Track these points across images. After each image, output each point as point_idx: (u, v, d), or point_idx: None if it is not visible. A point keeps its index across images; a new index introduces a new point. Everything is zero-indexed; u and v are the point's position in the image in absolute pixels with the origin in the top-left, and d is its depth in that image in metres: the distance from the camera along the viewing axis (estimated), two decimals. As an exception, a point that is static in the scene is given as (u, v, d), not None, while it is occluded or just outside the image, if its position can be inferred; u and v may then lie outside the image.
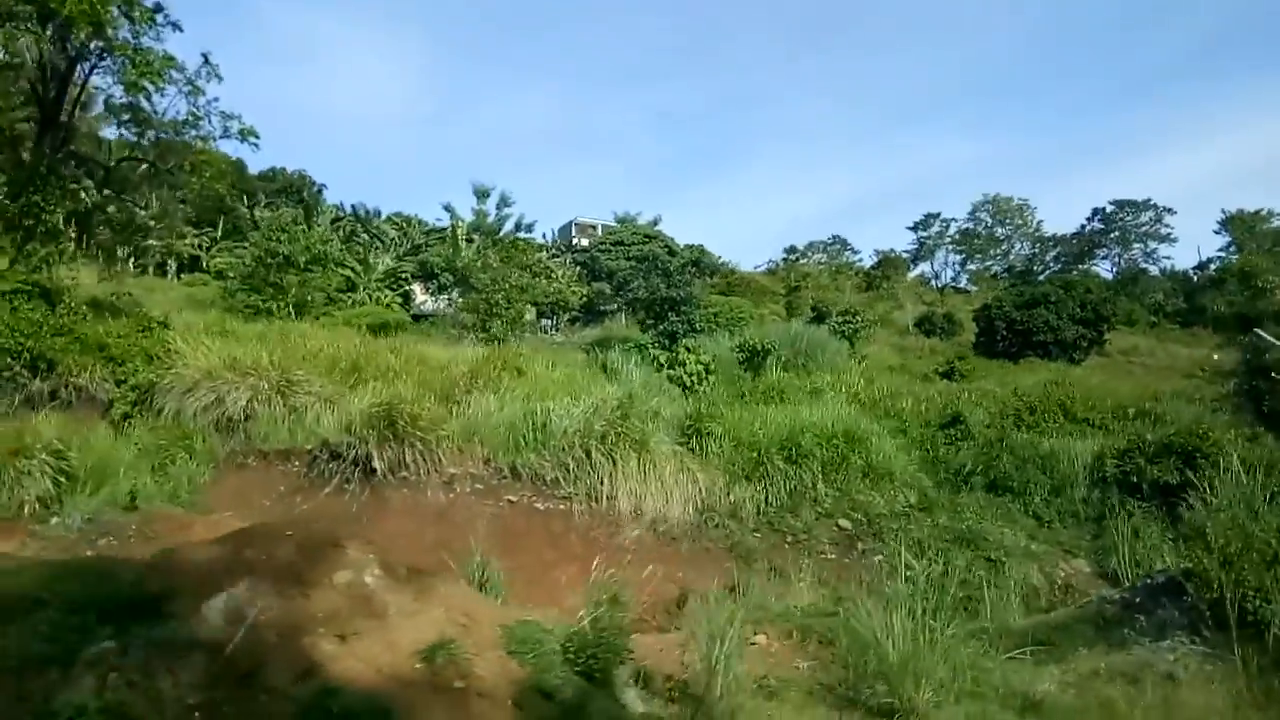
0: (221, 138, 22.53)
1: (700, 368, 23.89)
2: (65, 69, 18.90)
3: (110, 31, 18.27)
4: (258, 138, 21.51)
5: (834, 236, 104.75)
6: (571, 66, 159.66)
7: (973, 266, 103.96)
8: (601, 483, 13.05)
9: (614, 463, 13.24)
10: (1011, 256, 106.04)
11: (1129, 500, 14.69)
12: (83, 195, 46.59)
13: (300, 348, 18.18)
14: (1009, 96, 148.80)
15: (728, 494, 13.47)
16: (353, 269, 45.12)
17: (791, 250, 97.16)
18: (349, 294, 43.78)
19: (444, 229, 58.43)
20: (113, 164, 21.65)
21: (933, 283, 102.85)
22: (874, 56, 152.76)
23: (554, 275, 55.54)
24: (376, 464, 12.80)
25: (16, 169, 18.96)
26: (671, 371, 24.06)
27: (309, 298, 34.74)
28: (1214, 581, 6.94)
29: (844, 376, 28.80)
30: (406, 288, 48.31)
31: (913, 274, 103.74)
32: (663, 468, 13.41)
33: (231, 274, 38.18)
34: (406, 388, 15.59)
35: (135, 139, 21.10)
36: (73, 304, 17.18)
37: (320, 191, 74.63)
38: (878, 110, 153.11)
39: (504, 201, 63.48)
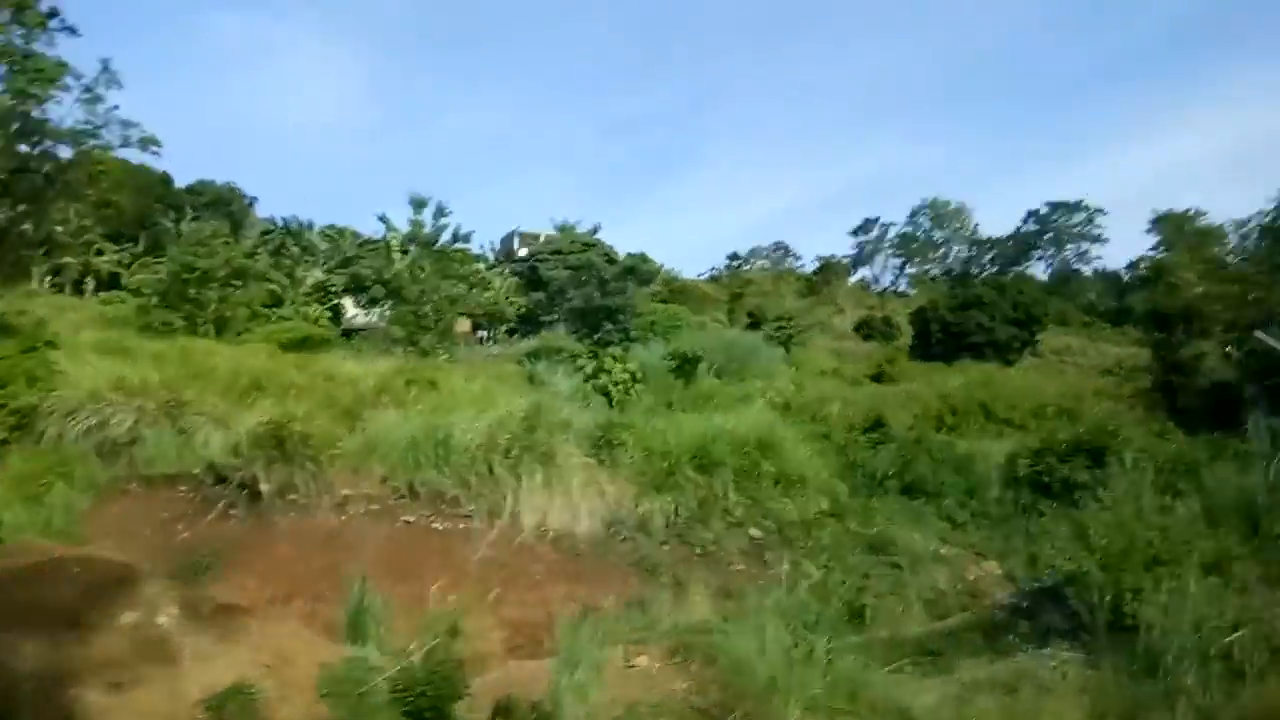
0: (121, 147, 21.75)
1: (626, 376, 23.59)
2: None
3: (-9, 38, 17.42)
4: (159, 145, 20.84)
5: (777, 243, 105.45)
6: (520, 76, 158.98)
7: (912, 270, 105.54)
8: (504, 499, 12.60)
9: (518, 478, 12.80)
10: (950, 259, 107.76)
11: (1041, 500, 14.68)
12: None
13: (200, 366, 17.49)
14: (958, 100, 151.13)
15: (636, 506, 13.09)
16: (278, 283, 43.98)
17: (734, 257, 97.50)
18: (274, 309, 42.61)
19: (378, 241, 57.38)
20: (3, 176, 20.40)
21: (873, 287, 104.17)
22: (823, 60, 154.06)
23: (490, 286, 54.94)
24: (263, 486, 12.21)
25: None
26: (597, 380, 23.72)
27: (228, 314, 33.63)
28: (1094, 584, 6.74)
29: (775, 382, 28.74)
30: (336, 301, 47.22)
31: (854, 279, 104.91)
32: (570, 481, 13.02)
33: (148, 291, 36.87)
34: (307, 406, 15.00)
35: (29, 149, 19.98)
36: (-48, 327, 16.27)
37: (251, 204, 72.87)
38: (827, 115, 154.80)
39: (440, 212, 62.06)
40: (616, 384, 23.38)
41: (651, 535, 12.76)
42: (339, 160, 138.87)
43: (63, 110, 19.64)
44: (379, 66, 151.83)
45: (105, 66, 19.71)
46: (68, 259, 45.21)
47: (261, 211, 70.04)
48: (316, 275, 46.66)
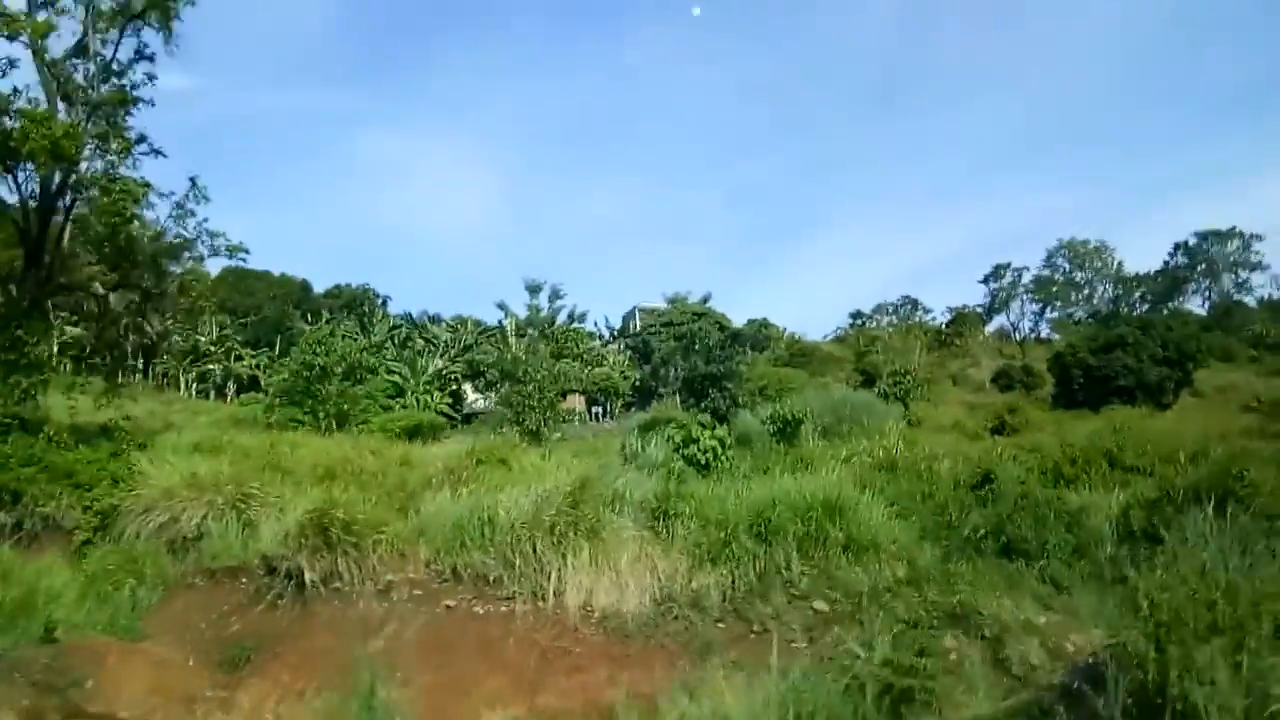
0: (211, 256, 22.98)
1: (715, 443, 22.74)
2: (46, 204, 19.32)
3: (83, 165, 18.73)
4: (246, 252, 21.83)
5: (904, 297, 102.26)
6: (647, 160, 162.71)
7: (1054, 314, 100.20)
8: (547, 578, 12.03)
9: (562, 555, 12.23)
10: (1095, 300, 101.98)
11: (1157, 556, 12.95)
12: (147, 327, 48.57)
13: (281, 457, 17.89)
14: (1087, 140, 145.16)
15: (690, 581, 12.26)
16: (400, 374, 45.57)
17: (857, 315, 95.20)
18: (397, 399, 44.10)
19: (496, 327, 59.20)
20: (103, 293, 21.78)
21: (1013, 335, 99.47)
22: (946, 115, 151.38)
23: (604, 362, 55.44)
24: (308, 575, 12.08)
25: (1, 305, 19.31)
26: (686, 450, 22.98)
27: (345, 407, 34.81)
28: (1135, 656, 5.59)
29: (883, 440, 27.28)
30: (455, 388, 48.48)
31: (990, 328, 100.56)
32: (618, 556, 12.33)
33: (275, 390, 38.80)
34: (374, 492, 15.04)
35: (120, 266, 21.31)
36: (53, 433, 17.19)
37: (384, 303, 76.92)
38: (953, 167, 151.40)
39: (555, 295, 64.14)
40: (704, 452, 22.55)
41: (705, 612, 11.87)
42: (479, 256, 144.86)
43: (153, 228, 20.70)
44: (514, 166, 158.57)
45: (193, 183, 20.86)
46: (210, 365, 48.42)
47: (395, 308, 73.74)
48: (436, 364, 48.07)
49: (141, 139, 20.30)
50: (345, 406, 35.12)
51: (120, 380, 28.31)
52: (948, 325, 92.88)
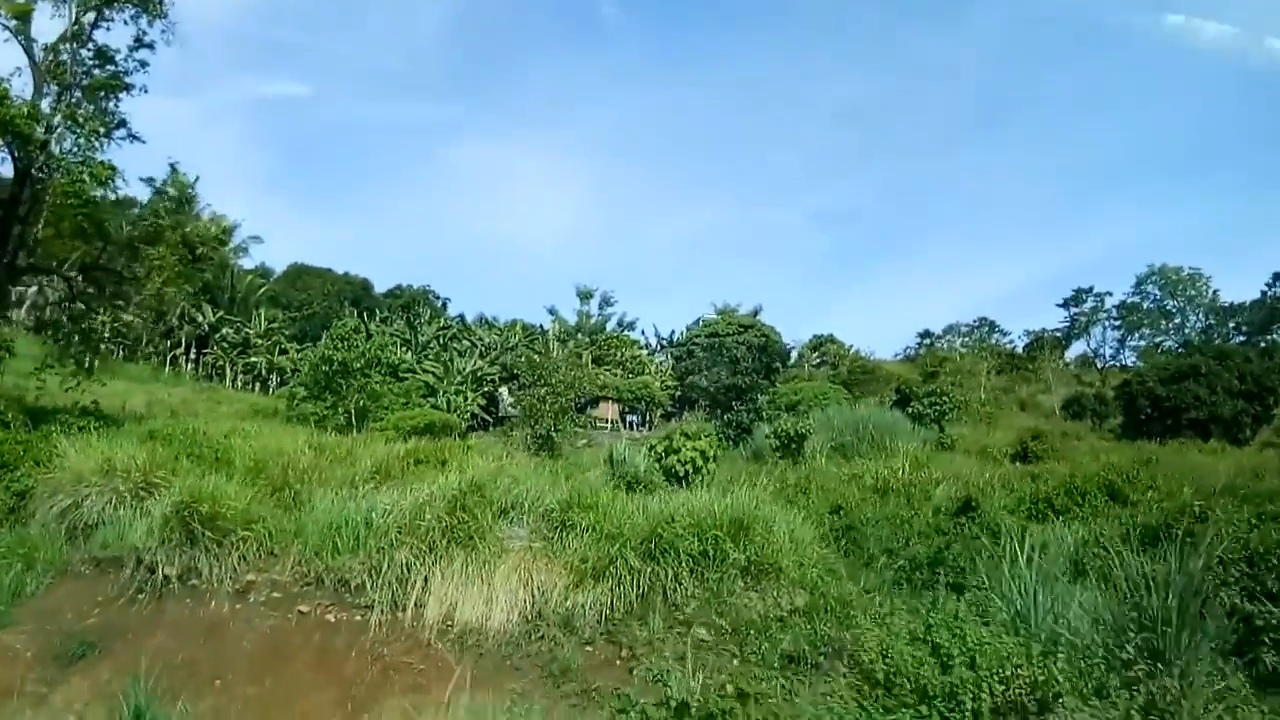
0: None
1: (694, 455, 21.63)
2: (15, 187, 19.42)
3: (55, 146, 18.76)
4: (258, 240, 21.59)
5: (980, 318, 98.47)
6: (735, 176, 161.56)
7: (1139, 342, 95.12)
8: (411, 588, 11.19)
9: (433, 564, 11.38)
10: (1187, 330, 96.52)
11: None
12: (200, 318, 49.77)
13: (222, 449, 17.52)
14: (1185, 168, 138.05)
15: (566, 598, 11.26)
16: (434, 373, 45.47)
17: (926, 335, 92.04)
18: (429, 398, 44.01)
19: (540, 331, 59.02)
20: (72, 275, 21.87)
21: (1094, 362, 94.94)
22: (1045, 137, 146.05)
23: (646, 371, 54.50)
24: (164, 570, 11.51)
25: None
26: (665, 461, 21.96)
27: (363, 403, 34.73)
28: None
29: (893, 461, 25.88)
30: (489, 389, 48.16)
31: (1072, 354, 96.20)
32: (493, 568, 11.42)
33: (293, 382, 39.06)
34: (277, 485, 14.46)
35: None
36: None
37: (444, 305, 77.61)
38: (1046, 192, 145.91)
39: (606, 302, 63.71)
40: (683, 463, 21.47)
41: (575, 633, 10.85)
42: (564, 265, 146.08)
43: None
44: (603, 177, 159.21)
45: (173, 169, 20.84)
46: (254, 358, 49.21)
47: (457, 310, 74.35)
48: (469, 365, 47.79)
49: (122, 124, 20.29)
50: (363, 403, 35.07)
51: (164, 364, 28.57)
52: (1027, 349, 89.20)
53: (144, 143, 21.03)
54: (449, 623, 10.97)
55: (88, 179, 18.79)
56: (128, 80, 21.01)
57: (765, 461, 28.42)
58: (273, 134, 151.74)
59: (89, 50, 20.62)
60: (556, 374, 34.81)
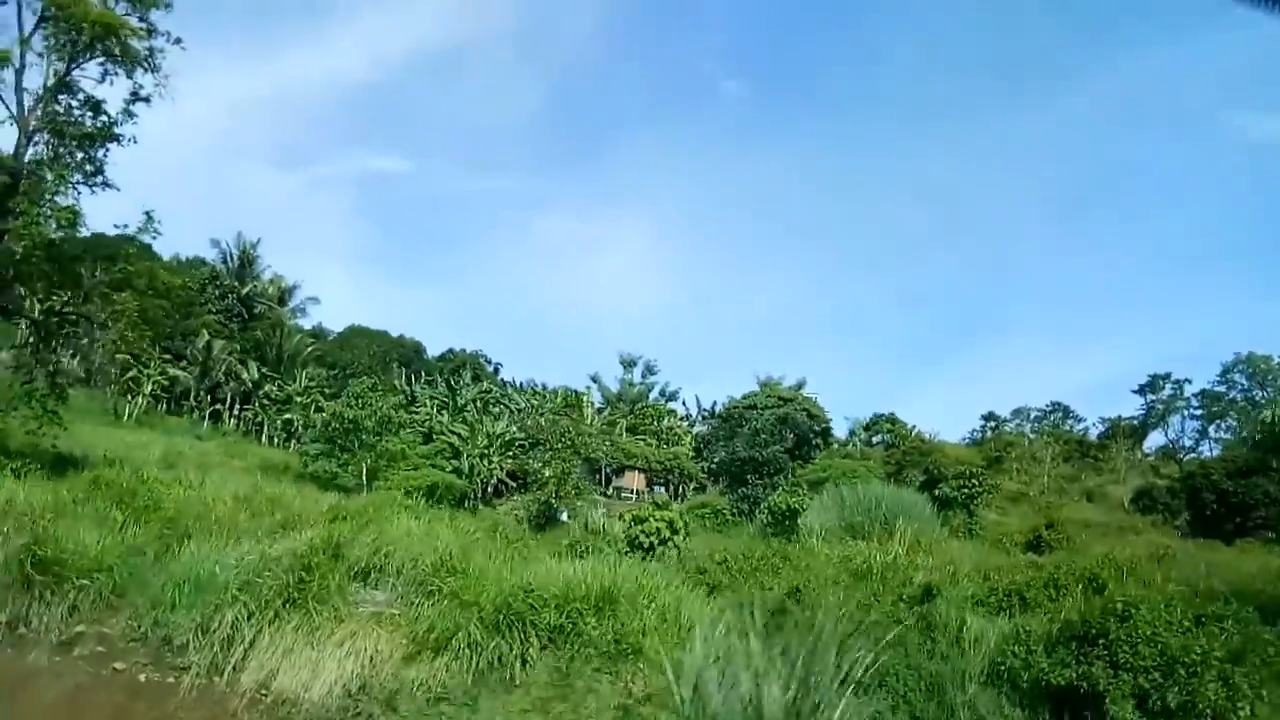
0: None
1: (661, 525, 20.44)
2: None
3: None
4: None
5: (1053, 403, 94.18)
6: (817, 256, 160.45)
7: (1223, 434, 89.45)
8: (234, 651, 10.32)
9: (263, 626, 10.53)
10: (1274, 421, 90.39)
11: (1012, 713, 9.92)
12: (244, 374, 50.73)
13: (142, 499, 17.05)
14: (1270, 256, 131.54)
15: (400, 671, 10.23)
16: (459, 435, 45.07)
17: (990, 418, 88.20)
18: (454, 459, 43.57)
19: (577, 396, 58.55)
20: (39, 318, 21.98)
21: (1176, 454, 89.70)
22: (1131, 223, 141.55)
23: (680, 441, 53.23)
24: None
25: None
26: (631, 530, 20.85)
27: (372, 462, 34.43)
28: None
29: (890, 544, 24.23)
30: (517, 454, 47.51)
31: (1151, 444, 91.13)
32: (328, 634, 10.49)
33: (308, 439, 39.11)
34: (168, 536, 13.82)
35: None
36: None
37: (497, 370, 78.00)
38: (1136, 280, 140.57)
39: (649, 370, 62.92)
40: (648, 534, 20.30)
41: (397, 711, 9.79)
42: (642, 338, 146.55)
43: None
44: (686, 251, 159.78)
45: (149, 216, 21.01)
46: (289, 415, 49.71)
47: (506, 375, 74.70)
48: (495, 429, 47.21)
49: (99, 170, 20.62)
50: (372, 462, 34.75)
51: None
52: (1103, 437, 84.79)
53: (118, 190, 21.27)
54: (264, 691, 10.05)
55: (43, 222, 18.98)
56: (117, 131, 21.50)
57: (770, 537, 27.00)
58: (373, 206, 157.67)
59: (77, 100, 21.22)
60: (559, 440, 33.85)
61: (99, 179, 20.76)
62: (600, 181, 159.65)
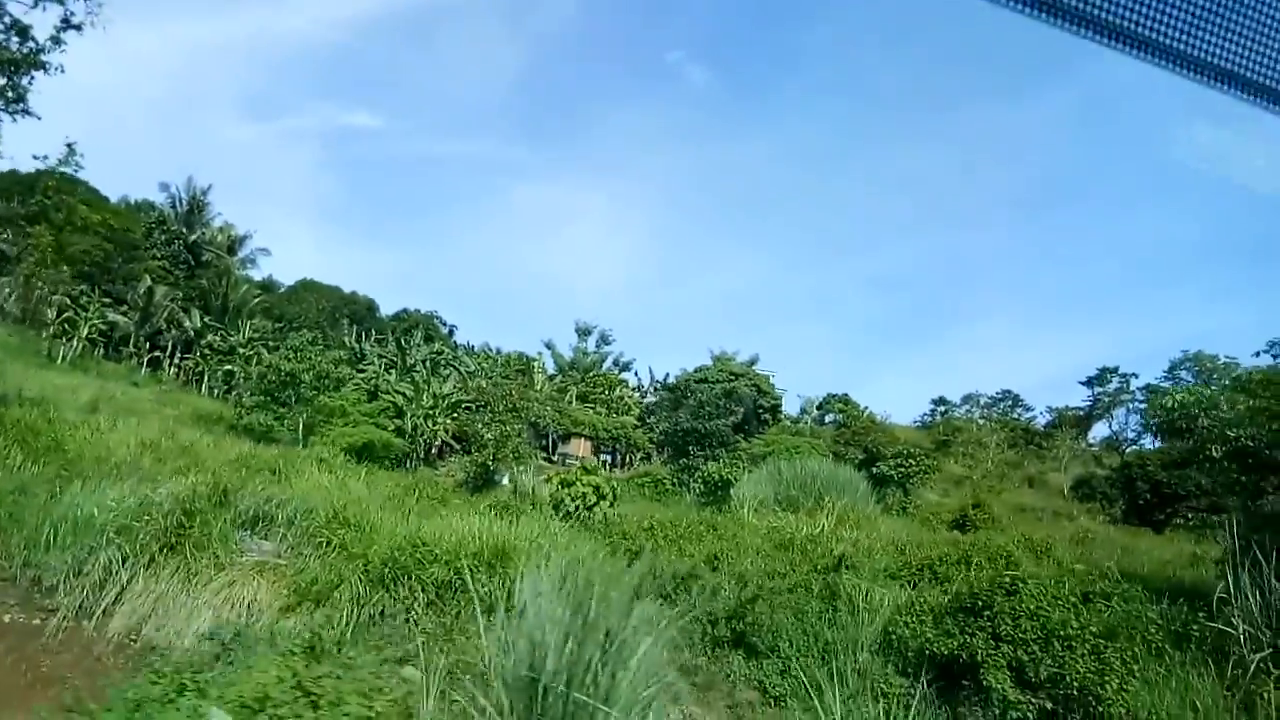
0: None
1: (588, 490, 20.25)
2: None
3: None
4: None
5: (1003, 391, 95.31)
6: (787, 238, 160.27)
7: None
8: (103, 595, 9.95)
9: (138, 571, 10.15)
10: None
11: (896, 680, 9.88)
12: (187, 323, 49.60)
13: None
14: (1243, 265, 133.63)
15: (278, 620, 9.93)
16: (403, 394, 44.41)
17: (940, 402, 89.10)
18: (397, 419, 42.97)
19: (529, 361, 58.10)
20: None
21: (1120, 446, 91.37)
22: (1093, 228, 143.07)
23: (629, 411, 53.07)
24: None
25: None
26: (558, 493, 20.66)
27: (308, 417, 33.81)
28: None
29: (818, 517, 24.37)
30: (461, 415, 47.00)
31: (1097, 435, 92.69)
32: (205, 582, 10.15)
33: (246, 391, 38.32)
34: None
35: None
36: None
37: (451, 332, 77.23)
38: (1099, 278, 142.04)
39: (603, 340, 62.58)
40: (574, 499, 20.11)
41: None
42: (609, 308, 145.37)
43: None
44: (658, 227, 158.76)
45: (70, 149, 20.23)
46: (230, 367, 48.57)
47: (462, 339, 74.08)
48: (437, 391, 46.56)
49: (20, 98, 19.80)
50: (309, 417, 34.14)
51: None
52: (1049, 426, 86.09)
53: (39, 119, 20.41)
54: (133, 637, 9.69)
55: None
56: (44, 59, 20.60)
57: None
58: (341, 162, 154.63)
59: (3, 24, 20.25)
60: (499, 404, 33.45)
61: (20, 106, 19.92)
62: (575, 153, 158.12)
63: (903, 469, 34.28)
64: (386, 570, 10.27)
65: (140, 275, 51.67)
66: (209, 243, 62.33)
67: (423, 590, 10.18)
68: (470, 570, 10.41)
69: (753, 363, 59.26)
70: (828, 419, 77.51)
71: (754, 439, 43.43)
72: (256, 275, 71.32)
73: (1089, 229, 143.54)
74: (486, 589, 10.31)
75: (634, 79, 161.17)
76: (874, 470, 34.77)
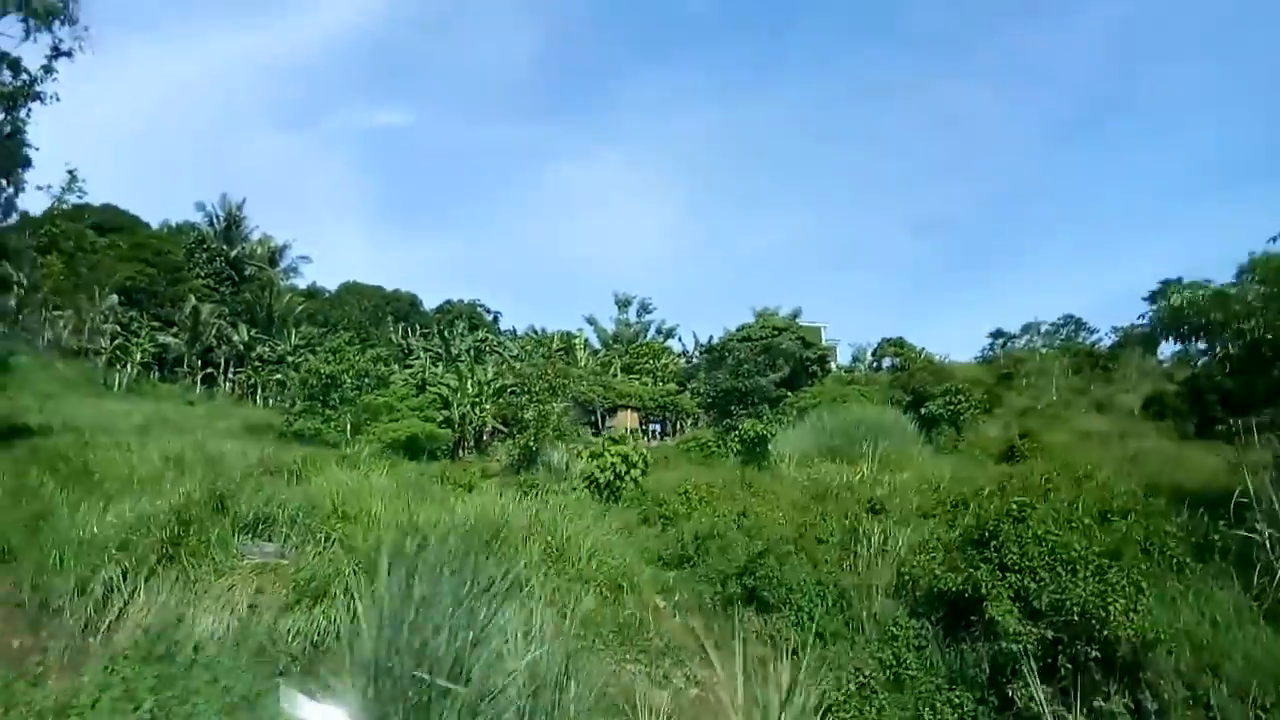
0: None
1: (617, 460, 20.03)
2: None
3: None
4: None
5: (1065, 316, 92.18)
6: (831, 188, 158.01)
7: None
8: (106, 612, 10.06)
9: (141, 583, 10.24)
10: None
11: (906, 623, 9.48)
12: (235, 337, 50.60)
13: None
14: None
15: (277, 621, 9.92)
16: (447, 385, 44.71)
17: (998, 335, 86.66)
18: (445, 410, 43.31)
19: (573, 339, 58.01)
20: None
21: (1193, 359, 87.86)
22: (1143, 140, 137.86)
23: (673, 377, 52.70)
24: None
25: None
26: (588, 466, 20.50)
27: (354, 417, 34.18)
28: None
29: (859, 464, 23.96)
30: (507, 399, 47.15)
31: (1168, 351, 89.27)
32: (204, 589, 10.19)
33: (291, 397, 38.89)
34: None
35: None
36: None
37: (496, 319, 77.64)
38: (1160, 191, 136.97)
39: (644, 309, 62.25)
40: (604, 470, 19.90)
41: (270, 664, 9.48)
42: (657, 279, 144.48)
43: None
44: (698, 195, 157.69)
45: (72, 175, 20.49)
46: (280, 375, 49.43)
47: (507, 324, 74.48)
48: (481, 376, 46.77)
49: (16, 132, 20.10)
50: (354, 416, 34.52)
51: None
52: (1115, 347, 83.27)
53: (36, 149, 20.73)
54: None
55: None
56: (38, 89, 20.88)
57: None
58: (376, 161, 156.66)
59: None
60: (537, 382, 33.30)
61: (19, 139, 20.26)
62: (605, 126, 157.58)
63: (952, 406, 33.39)
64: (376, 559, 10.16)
65: (185, 295, 52.83)
66: (250, 256, 63.39)
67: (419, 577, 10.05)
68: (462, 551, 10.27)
69: (795, 316, 58.25)
70: (885, 364, 76.09)
71: (801, 392, 42.78)
72: (301, 283, 72.53)
73: (1143, 142, 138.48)
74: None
75: (655, 43, 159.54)
76: (923, 411, 33.94)
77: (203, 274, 58.47)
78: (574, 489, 20.08)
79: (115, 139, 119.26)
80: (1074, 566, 8.00)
